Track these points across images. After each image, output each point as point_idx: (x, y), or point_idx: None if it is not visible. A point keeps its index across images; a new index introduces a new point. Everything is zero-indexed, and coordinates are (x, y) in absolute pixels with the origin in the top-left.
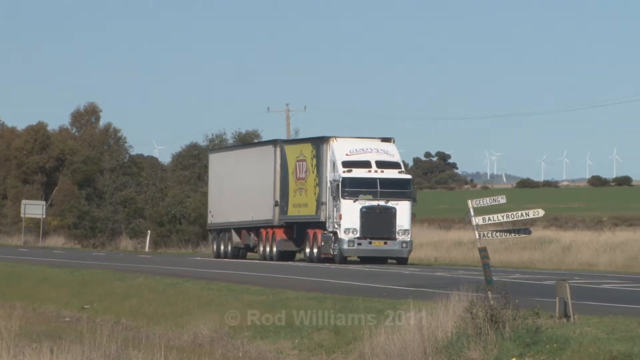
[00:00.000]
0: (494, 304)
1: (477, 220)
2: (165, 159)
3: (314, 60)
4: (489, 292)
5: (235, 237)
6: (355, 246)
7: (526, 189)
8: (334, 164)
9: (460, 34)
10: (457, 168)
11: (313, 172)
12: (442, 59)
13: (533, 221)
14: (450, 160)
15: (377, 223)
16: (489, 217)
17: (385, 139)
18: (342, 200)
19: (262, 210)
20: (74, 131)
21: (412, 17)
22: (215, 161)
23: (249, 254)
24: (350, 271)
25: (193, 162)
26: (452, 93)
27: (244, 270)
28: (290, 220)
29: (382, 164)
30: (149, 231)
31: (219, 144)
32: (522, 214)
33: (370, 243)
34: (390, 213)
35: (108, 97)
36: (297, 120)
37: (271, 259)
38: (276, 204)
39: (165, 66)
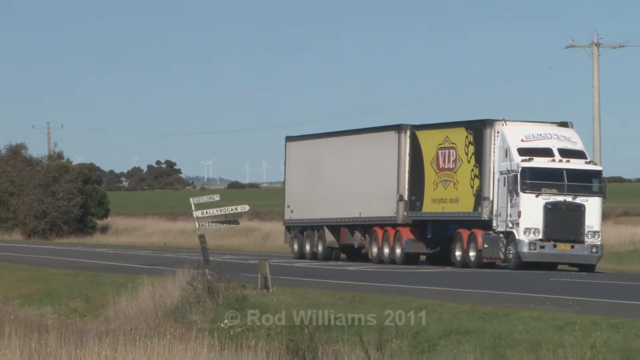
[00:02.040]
0: (210, 279)
1: (197, 213)
2: None
3: (70, 76)
4: (207, 269)
5: (329, 236)
6: (538, 249)
7: (235, 189)
8: (506, 152)
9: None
10: (181, 173)
11: (469, 162)
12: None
13: (241, 214)
14: (176, 167)
15: (564, 223)
16: (206, 211)
17: (563, 124)
18: (521, 194)
19: (377, 205)
20: None
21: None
22: (298, 150)
23: (340, 254)
24: (100, 253)
25: None
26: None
27: (14, 252)
28: (424, 218)
29: (566, 153)
30: None
31: None
32: (232, 208)
33: (554, 246)
34: (579, 211)
35: None
36: (56, 136)
37: (392, 262)
38: (400, 199)
39: None
